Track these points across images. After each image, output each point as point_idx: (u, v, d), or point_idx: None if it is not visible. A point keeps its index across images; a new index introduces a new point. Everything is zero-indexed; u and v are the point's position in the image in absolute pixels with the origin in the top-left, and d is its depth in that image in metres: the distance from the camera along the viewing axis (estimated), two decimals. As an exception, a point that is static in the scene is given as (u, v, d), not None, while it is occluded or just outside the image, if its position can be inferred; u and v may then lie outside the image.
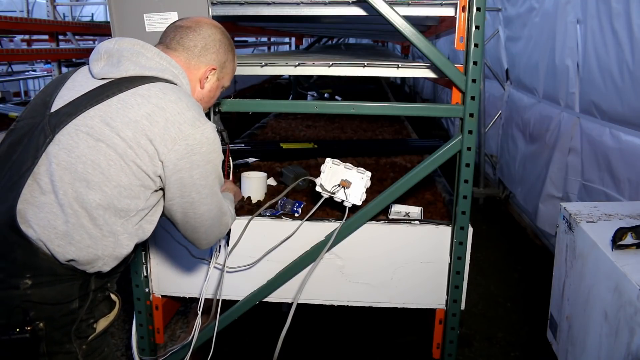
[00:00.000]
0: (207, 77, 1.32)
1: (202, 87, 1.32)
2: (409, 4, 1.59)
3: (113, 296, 1.30)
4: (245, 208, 1.90)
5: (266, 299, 1.81)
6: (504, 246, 3.75)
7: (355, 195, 1.69)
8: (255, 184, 2.00)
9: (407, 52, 5.61)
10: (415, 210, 1.89)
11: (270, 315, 2.18)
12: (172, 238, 1.78)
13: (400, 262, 1.76)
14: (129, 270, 1.84)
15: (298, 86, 5.50)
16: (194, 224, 1.28)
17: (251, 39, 11.05)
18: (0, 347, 1.10)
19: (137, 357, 1.89)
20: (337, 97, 5.20)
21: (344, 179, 1.69)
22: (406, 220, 1.79)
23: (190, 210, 1.24)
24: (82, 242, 1.11)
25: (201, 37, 1.29)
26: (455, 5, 1.58)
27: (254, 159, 2.54)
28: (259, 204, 1.94)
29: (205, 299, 1.74)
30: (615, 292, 1.25)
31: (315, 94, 5.28)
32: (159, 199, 1.22)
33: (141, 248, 1.83)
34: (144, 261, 1.85)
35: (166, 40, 1.30)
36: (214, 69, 1.32)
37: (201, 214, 1.26)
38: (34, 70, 7.85)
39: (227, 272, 1.76)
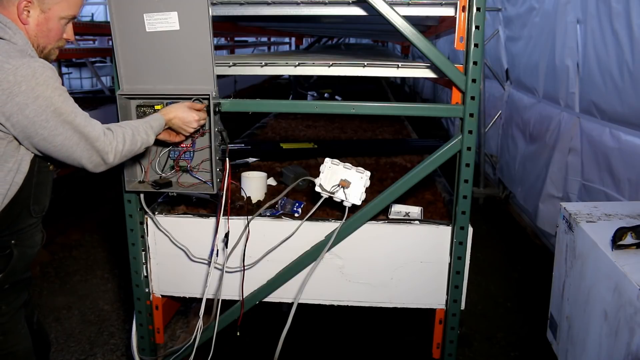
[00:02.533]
0: (27, 13, 1.28)
1: (25, 23, 1.28)
2: (409, 4, 1.59)
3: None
4: (245, 208, 1.90)
5: (266, 299, 1.81)
6: (504, 246, 3.75)
7: (354, 195, 1.69)
8: (255, 184, 2.00)
9: (407, 52, 5.60)
10: (415, 210, 1.89)
11: (270, 315, 2.18)
12: (172, 238, 1.78)
13: (400, 262, 1.76)
14: (129, 270, 1.85)
15: (298, 86, 5.50)
16: (63, 154, 1.26)
17: (251, 39, 11.07)
18: None
19: (137, 357, 1.89)
20: (337, 97, 5.20)
21: (343, 179, 1.69)
22: (406, 220, 1.79)
23: (48, 145, 1.23)
24: None
25: None
26: (455, 5, 1.58)
27: (254, 159, 2.54)
28: (259, 204, 1.94)
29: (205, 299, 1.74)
30: (615, 292, 1.25)
31: (315, 94, 5.28)
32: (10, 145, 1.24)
33: (141, 248, 1.83)
34: (144, 261, 1.85)
35: None
36: (29, 2, 1.27)
37: (61, 144, 1.24)
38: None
39: (227, 272, 1.76)
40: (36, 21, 1.29)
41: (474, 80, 1.57)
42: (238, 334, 1.73)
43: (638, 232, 1.33)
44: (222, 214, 1.66)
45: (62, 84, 1.25)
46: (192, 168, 1.68)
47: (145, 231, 1.82)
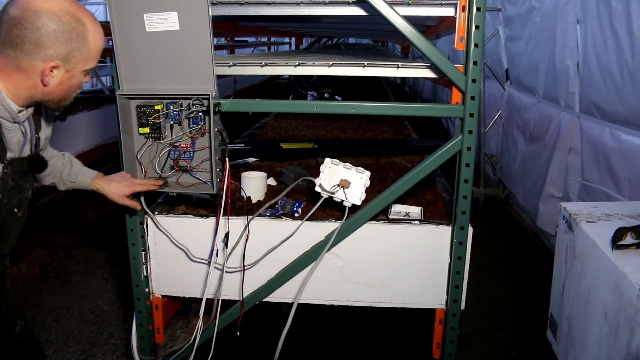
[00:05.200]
0: (50, 74, 1.19)
1: (45, 84, 1.19)
2: (409, 4, 1.59)
3: None
4: (245, 208, 1.90)
5: (266, 299, 1.81)
6: (504, 246, 3.75)
7: (354, 195, 1.69)
8: (255, 184, 2.00)
9: (407, 52, 5.60)
10: (415, 210, 1.89)
11: (270, 315, 2.18)
12: (172, 238, 1.78)
13: (400, 262, 1.76)
14: (129, 270, 1.85)
15: (298, 86, 5.50)
16: None
17: (251, 39, 11.07)
18: None
19: (137, 357, 1.89)
20: (337, 97, 5.20)
21: (343, 179, 1.69)
22: (406, 220, 1.79)
23: None
24: None
25: (29, 30, 1.12)
26: (455, 5, 1.57)
27: (254, 159, 2.54)
28: (259, 204, 1.94)
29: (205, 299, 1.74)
30: (615, 292, 1.25)
31: (315, 94, 5.27)
32: None
33: (141, 248, 1.83)
34: (144, 261, 1.85)
35: None
36: (54, 66, 1.18)
37: None
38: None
39: (227, 272, 1.76)
40: (58, 81, 1.21)
41: (474, 80, 1.57)
42: (238, 334, 1.72)
43: (638, 232, 1.33)
44: (222, 214, 1.66)
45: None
46: (192, 168, 1.68)
47: (145, 231, 1.82)
